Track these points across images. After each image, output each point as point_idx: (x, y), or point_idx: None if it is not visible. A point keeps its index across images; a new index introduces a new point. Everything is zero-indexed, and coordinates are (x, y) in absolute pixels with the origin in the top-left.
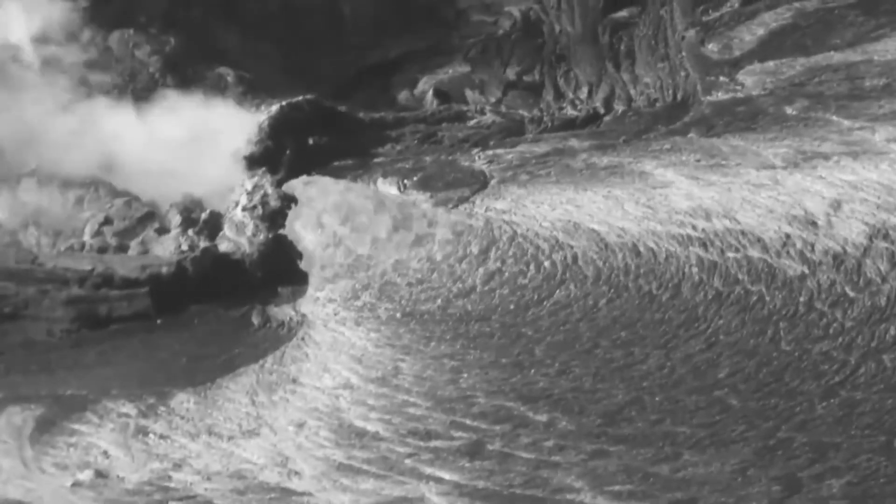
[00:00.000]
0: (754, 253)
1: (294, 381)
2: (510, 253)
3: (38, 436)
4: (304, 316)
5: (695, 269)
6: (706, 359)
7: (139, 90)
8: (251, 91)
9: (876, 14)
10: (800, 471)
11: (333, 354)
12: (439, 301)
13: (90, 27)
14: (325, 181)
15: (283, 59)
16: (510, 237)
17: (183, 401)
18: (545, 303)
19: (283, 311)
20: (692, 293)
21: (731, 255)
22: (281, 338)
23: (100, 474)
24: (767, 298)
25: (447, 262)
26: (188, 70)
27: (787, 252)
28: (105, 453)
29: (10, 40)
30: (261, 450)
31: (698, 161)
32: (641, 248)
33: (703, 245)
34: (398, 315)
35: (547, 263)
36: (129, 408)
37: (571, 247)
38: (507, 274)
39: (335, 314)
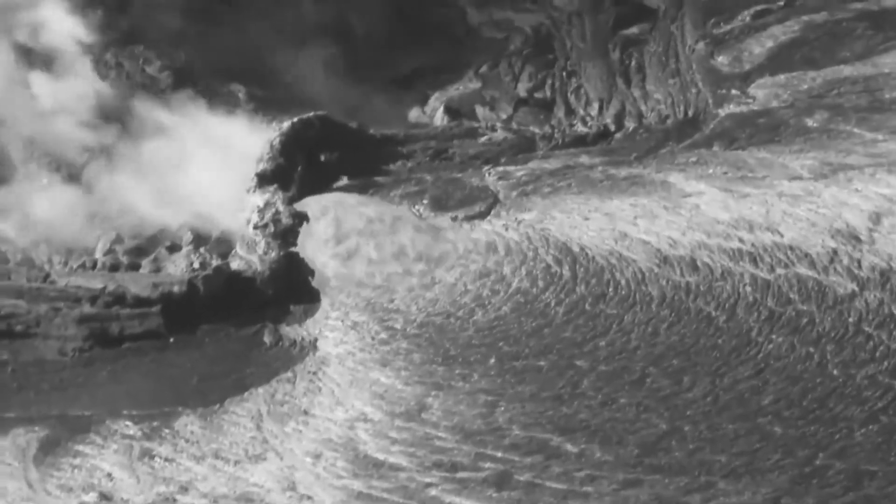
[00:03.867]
0: (803, 269)
1: (306, 412)
2: (591, 271)
3: (42, 457)
4: (316, 346)
5: (749, 289)
6: (752, 385)
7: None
8: (263, 108)
9: (883, 27)
10: (833, 499)
11: (354, 391)
12: (502, 343)
13: (102, 43)
14: (339, 199)
15: (294, 76)
16: (580, 249)
17: (187, 424)
18: (611, 331)
19: (295, 330)
20: (746, 314)
21: (780, 271)
22: (293, 357)
23: (104, 497)
24: (817, 319)
25: (531, 296)
26: (199, 86)
27: (835, 269)
28: (109, 475)
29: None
30: (268, 474)
31: (725, 173)
32: (699, 264)
33: (754, 260)
34: (439, 359)
35: (623, 282)
36: (133, 430)
37: (634, 261)
38: (590, 299)
39: (351, 354)
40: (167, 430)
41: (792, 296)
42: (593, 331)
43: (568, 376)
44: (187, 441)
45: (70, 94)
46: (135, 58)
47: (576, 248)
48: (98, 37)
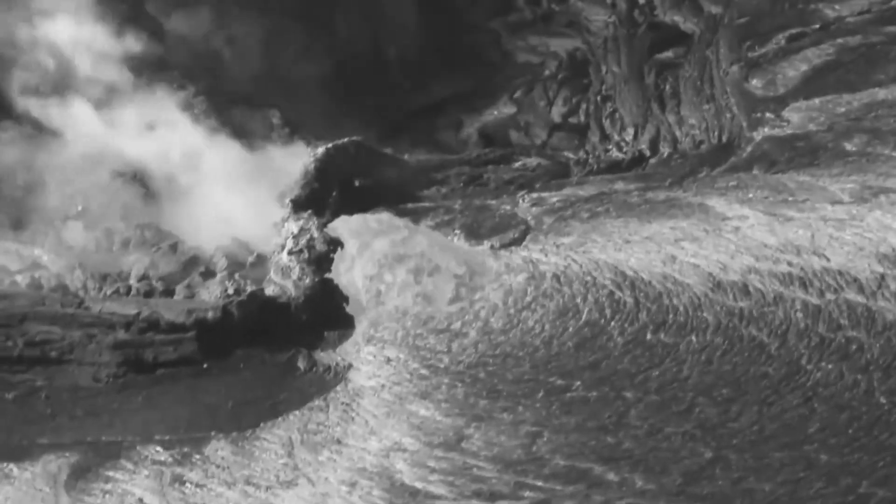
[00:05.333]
0: (852, 294)
1: (339, 441)
2: (651, 296)
3: (73, 483)
4: (348, 377)
5: (800, 315)
6: (799, 414)
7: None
8: (297, 133)
9: None
10: None
11: (392, 422)
12: (554, 377)
13: (133, 69)
14: (374, 225)
15: (328, 102)
16: (635, 273)
17: (218, 449)
18: (665, 361)
19: (329, 356)
20: (798, 341)
21: (830, 296)
22: (327, 383)
23: None
24: (866, 346)
25: (598, 328)
26: (233, 112)
27: (883, 294)
28: (141, 501)
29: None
30: (300, 500)
31: (766, 197)
32: (751, 289)
33: (804, 285)
34: (484, 393)
35: (681, 308)
36: (163, 456)
37: (689, 285)
38: (651, 327)
39: (385, 387)
40: (198, 456)
41: (842, 322)
42: (649, 361)
43: (615, 407)
44: (218, 467)
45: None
46: (169, 83)
47: (630, 272)
48: (132, 62)
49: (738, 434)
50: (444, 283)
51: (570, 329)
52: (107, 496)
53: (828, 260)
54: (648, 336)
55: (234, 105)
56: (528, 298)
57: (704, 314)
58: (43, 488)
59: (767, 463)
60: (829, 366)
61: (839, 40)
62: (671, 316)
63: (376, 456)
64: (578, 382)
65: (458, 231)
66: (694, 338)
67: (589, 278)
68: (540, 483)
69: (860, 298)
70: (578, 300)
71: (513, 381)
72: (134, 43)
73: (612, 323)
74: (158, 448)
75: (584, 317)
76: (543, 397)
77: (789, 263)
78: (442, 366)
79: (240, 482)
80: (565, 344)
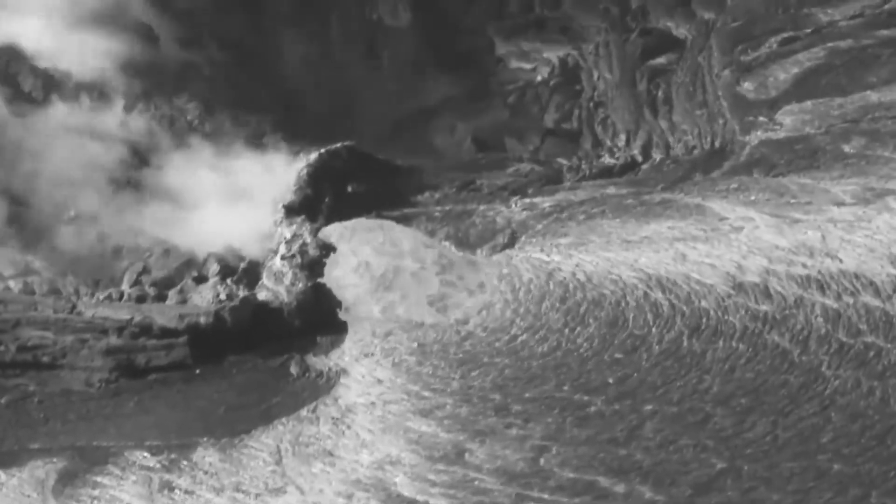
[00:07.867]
0: (868, 298)
1: (330, 454)
2: (681, 297)
3: (61, 488)
4: (339, 392)
5: (820, 320)
6: (814, 423)
7: (177, 136)
8: (290, 138)
9: None
10: None
11: (388, 437)
12: (579, 395)
13: (129, 73)
14: (366, 229)
15: (321, 106)
16: (654, 270)
17: (206, 456)
18: (691, 372)
19: (321, 361)
20: (818, 347)
21: (847, 299)
22: (320, 388)
23: None
24: (883, 352)
25: (640, 340)
26: (227, 117)
27: None
28: None
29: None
30: None
31: (768, 200)
32: (771, 291)
33: (821, 288)
34: (492, 412)
35: (711, 312)
36: (151, 461)
37: (713, 286)
38: (686, 332)
39: (375, 405)
40: (186, 462)
41: (861, 326)
42: (677, 373)
43: (629, 420)
44: (206, 473)
45: (98, 126)
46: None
47: (649, 270)
48: (126, 68)
49: (752, 444)
50: (454, 294)
51: (616, 342)
52: (95, 502)
53: (841, 262)
54: (684, 343)
55: (227, 110)
56: (582, 310)
57: (730, 318)
58: (31, 494)
59: (779, 472)
60: (847, 373)
61: (830, 44)
62: (704, 320)
63: (370, 468)
64: (602, 397)
65: (445, 242)
66: (721, 343)
67: (614, 276)
68: (545, 496)
69: (877, 302)
70: (623, 305)
71: (528, 400)
72: (129, 48)
73: (654, 330)
74: (146, 454)
75: (630, 325)
76: (558, 413)
77: (804, 265)
78: (449, 389)
79: (228, 489)
80: (603, 360)
